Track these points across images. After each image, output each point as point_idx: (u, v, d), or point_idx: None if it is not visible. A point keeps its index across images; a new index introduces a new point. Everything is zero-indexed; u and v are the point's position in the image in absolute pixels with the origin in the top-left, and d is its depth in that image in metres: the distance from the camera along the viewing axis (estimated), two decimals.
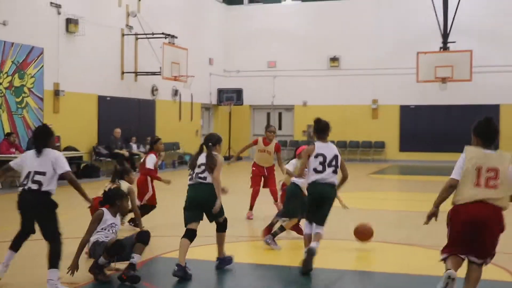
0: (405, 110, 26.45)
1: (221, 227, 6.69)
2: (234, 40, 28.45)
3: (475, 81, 23.79)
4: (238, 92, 27.88)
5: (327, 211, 6.78)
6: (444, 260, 5.01)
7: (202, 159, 6.45)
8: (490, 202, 4.90)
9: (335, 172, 6.70)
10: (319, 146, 6.71)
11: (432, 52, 23.48)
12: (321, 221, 6.73)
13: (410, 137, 26.26)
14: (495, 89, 25.30)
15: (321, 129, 6.73)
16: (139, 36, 21.75)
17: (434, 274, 6.17)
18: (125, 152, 19.93)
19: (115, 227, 6.43)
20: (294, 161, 8.29)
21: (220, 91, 27.97)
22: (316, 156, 6.65)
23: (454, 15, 23.52)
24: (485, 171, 4.96)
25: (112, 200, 6.46)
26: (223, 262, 6.76)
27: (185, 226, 6.43)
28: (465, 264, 5.12)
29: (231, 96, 27.66)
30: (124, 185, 7.77)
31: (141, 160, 9.66)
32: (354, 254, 7.95)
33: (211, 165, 6.31)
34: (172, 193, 11.79)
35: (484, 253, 4.99)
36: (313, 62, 27.31)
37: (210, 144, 6.46)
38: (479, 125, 5.14)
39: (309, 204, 6.79)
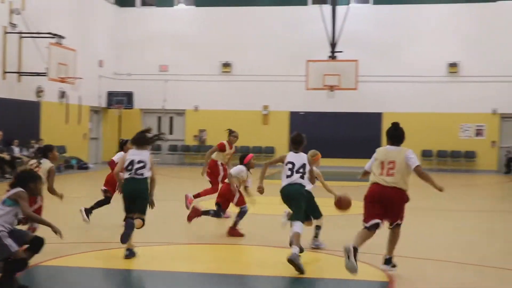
0: (294, 116, 26.63)
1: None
2: (125, 42, 27.86)
3: (360, 90, 24.30)
4: (129, 96, 27.37)
5: (300, 205, 7.48)
6: (367, 228, 6.72)
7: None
8: (391, 185, 6.72)
9: (302, 177, 7.53)
10: (291, 155, 7.63)
11: (320, 60, 23.77)
12: (296, 217, 7.42)
13: None
14: (378, 98, 25.85)
15: (293, 141, 7.68)
16: (23, 35, 20.76)
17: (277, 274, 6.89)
18: (5, 155, 19.00)
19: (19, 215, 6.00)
20: (239, 167, 9.36)
21: (110, 94, 27.33)
22: (287, 164, 7.57)
23: (342, 26, 23.88)
24: (386, 164, 6.85)
25: (25, 183, 6.09)
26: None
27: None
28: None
29: (121, 100, 27.07)
30: (46, 164, 7.71)
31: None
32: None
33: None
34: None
35: (394, 217, 6.86)
36: (205, 67, 27.12)
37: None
38: (388, 129, 7.05)
39: (288, 206, 7.74)
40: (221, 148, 11.19)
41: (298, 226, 7.29)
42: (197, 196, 11.03)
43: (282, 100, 26.44)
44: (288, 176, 7.53)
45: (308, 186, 7.73)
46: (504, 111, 25.19)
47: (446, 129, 25.08)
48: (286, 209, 8.26)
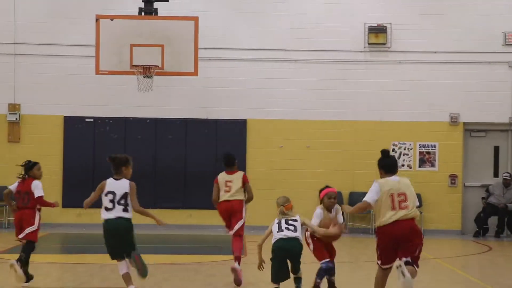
0: (72, 125, 20.52)
1: None
2: None
3: (207, 76, 19.40)
4: None
5: (124, 244, 8.99)
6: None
7: None
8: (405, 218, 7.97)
9: (125, 210, 9.02)
10: (110, 183, 9.08)
11: (122, 16, 17.62)
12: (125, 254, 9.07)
13: None
14: (242, 92, 20.61)
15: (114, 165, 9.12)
16: None
17: None
18: None
19: None
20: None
21: None
22: (106, 194, 9.00)
23: None
24: (396, 196, 8.02)
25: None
26: None
27: None
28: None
29: None
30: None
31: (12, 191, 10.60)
32: None
33: None
34: None
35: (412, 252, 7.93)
36: None
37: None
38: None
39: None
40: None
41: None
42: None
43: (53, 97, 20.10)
44: (108, 209, 9.04)
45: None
46: (473, 118, 19.67)
47: (365, 151, 19.46)
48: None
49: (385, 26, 19.23)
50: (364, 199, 8.11)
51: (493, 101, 19.30)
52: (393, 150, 19.25)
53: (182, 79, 18.15)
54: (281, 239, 8.76)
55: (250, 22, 19.96)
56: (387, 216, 7.76)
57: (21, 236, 10.37)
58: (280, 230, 8.82)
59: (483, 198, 19.01)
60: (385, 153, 8.40)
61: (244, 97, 19.63)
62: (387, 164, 8.29)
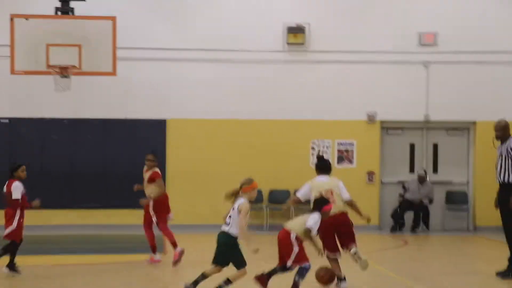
0: None
1: None
2: None
3: (124, 76, 18.68)
4: None
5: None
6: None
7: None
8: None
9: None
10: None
11: (37, 16, 16.90)
12: None
13: None
14: (159, 91, 20.18)
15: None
16: None
17: None
18: None
19: None
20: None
21: None
22: None
23: None
24: (324, 193, 9.67)
25: None
26: None
27: None
28: None
29: None
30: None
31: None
32: None
33: None
34: None
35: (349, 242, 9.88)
36: None
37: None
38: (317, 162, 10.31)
39: None
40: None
41: None
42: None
43: None
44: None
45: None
46: (389, 117, 19.68)
47: (286, 149, 19.63)
48: None
49: (304, 27, 19.15)
50: (296, 194, 9.98)
51: (409, 100, 19.36)
52: (312, 148, 19.31)
53: (100, 79, 17.67)
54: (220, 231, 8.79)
55: (169, 21, 19.59)
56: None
57: (3, 236, 10.99)
58: (224, 222, 8.81)
59: (400, 194, 19.43)
60: (318, 157, 10.47)
61: (164, 97, 19.26)
62: (318, 167, 10.11)
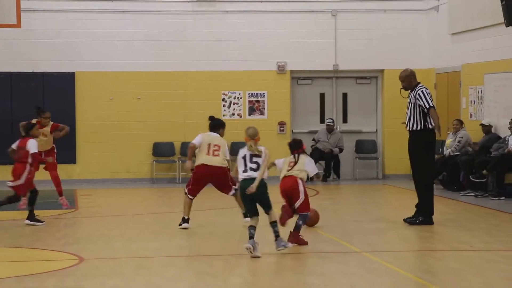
0: None
1: None
2: None
3: (28, 28, 18.37)
4: None
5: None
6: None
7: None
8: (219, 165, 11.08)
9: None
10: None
11: None
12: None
13: None
14: (68, 43, 19.63)
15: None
16: None
17: None
18: None
19: None
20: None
21: None
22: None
23: None
24: (212, 146, 11.03)
25: None
26: None
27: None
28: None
29: None
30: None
31: (13, 147, 11.93)
32: None
33: None
34: None
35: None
36: None
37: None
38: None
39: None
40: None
41: None
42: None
43: None
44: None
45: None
46: (299, 67, 19.75)
47: (196, 101, 19.62)
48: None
49: None
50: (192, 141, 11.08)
51: (318, 49, 19.36)
52: (223, 99, 19.31)
53: (4, 31, 17.28)
54: (244, 179, 8.94)
55: None
56: (201, 159, 10.86)
57: (10, 184, 11.59)
58: (245, 169, 8.95)
59: (313, 140, 19.51)
60: (210, 117, 11.52)
61: (72, 49, 18.79)
62: (210, 125, 11.36)
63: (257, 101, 19.56)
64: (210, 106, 18.93)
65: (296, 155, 9.99)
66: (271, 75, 19.56)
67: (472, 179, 14.83)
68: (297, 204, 9.74)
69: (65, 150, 18.29)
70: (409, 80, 11.40)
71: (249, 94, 19.55)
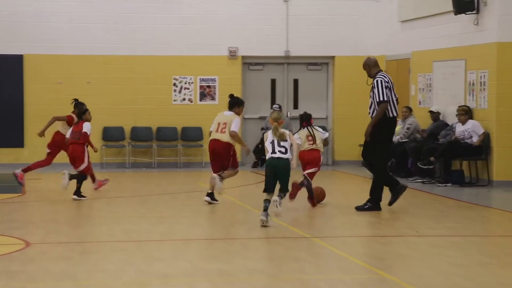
0: None
1: None
2: None
3: None
4: None
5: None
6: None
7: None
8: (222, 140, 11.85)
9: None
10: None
11: None
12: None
13: None
14: (17, 24, 18.94)
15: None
16: None
17: None
18: None
19: None
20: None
21: None
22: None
23: None
24: (221, 124, 11.86)
25: None
26: None
27: None
28: None
29: None
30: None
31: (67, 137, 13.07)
32: None
33: None
34: None
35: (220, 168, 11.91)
36: None
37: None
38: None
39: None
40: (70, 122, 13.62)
41: None
42: (27, 170, 13.99)
43: None
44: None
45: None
46: (250, 52, 19.55)
47: (147, 86, 19.29)
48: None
49: None
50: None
51: (269, 35, 19.25)
52: (174, 84, 19.15)
53: None
54: (272, 158, 10.00)
55: None
56: (211, 136, 11.86)
57: (79, 169, 12.71)
58: (273, 151, 9.98)
59: (262, 129, 19.52)
60: (230, 95, 12.38)
61: (20, 31, 18.29)
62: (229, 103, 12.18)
63: (208, 86, 19.40)
64: (161, 91, 18.75)
65: (310, 128, 11.61)
66: (222, 60, 19.39)
67: (420, 165, 15.00)
68: (312, 170, 11.57)
69: (13, 133, 18.03)
70: (368, 69, 11.47)
71: (200, 79, 19.32)
